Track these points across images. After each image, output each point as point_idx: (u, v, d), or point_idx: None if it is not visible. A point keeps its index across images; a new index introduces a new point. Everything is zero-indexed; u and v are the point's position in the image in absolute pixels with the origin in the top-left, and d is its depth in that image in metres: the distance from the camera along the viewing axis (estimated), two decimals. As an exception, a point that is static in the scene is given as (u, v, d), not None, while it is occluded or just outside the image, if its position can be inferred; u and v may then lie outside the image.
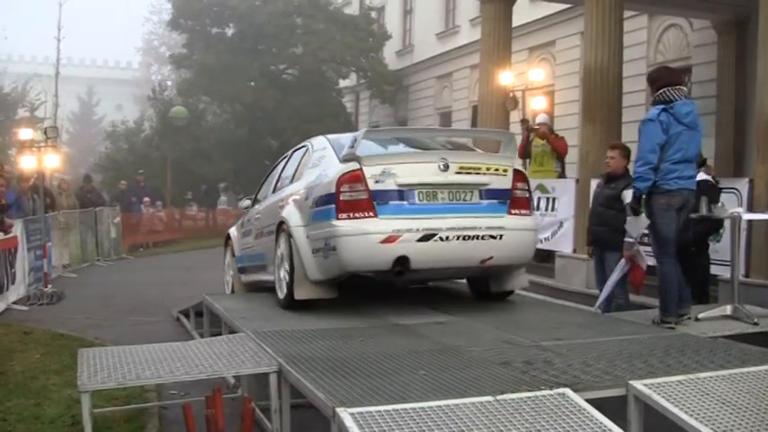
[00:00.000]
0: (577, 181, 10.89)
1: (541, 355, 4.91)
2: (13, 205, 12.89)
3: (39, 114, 34.32)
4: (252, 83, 28.24)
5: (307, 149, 7.66)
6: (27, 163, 13.44)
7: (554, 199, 11.22)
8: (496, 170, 6.61)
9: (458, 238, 6.28)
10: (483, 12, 14.35)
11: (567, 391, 4.01)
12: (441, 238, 6.24)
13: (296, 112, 27.13)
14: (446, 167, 6.41)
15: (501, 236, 6.42)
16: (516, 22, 14.64)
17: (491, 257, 6.43)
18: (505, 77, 13.74)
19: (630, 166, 7.30)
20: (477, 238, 6.35)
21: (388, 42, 28.33)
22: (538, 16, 18.98)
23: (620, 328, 6.06)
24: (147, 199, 23.74)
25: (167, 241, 24.54)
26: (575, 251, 10.63)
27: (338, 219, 6.25)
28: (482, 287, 7.30)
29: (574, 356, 4.87)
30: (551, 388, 4.06)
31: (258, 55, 28.14)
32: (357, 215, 6.23)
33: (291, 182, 7.58)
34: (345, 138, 6.99)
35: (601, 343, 5.37)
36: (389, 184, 6.29)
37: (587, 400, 3.93)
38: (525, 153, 12.53)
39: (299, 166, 7.64)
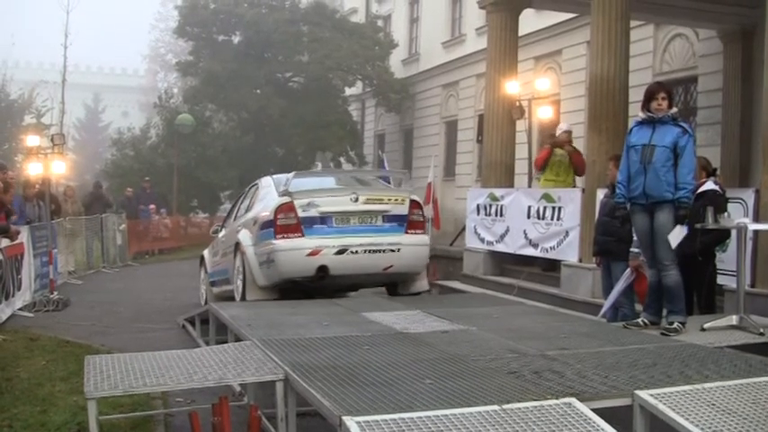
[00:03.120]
0: (583, 190, 10.88)
1: (547, 365, 4.91)
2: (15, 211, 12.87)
3: (45, 121, 34.30)
4: (258, 90, 28.21)
5: (257, 186, 9.74)
6: (34, 169, 13.48)
7: (560, 208, 11.19)
8: (396, 200, 8.73)
9: (365, 252, 8.37)
10: (489, 21, 14.36)
11: (573, 400, 4.01)
12: (352, 252, 8.32)
13: (302, 120, 27.16)
14: (356, 199, 8.51)
15: (399, 249, 8.53)
16: (522, 31, 14.64)
17: (391, 266, 8.54)
18: (511, 86, 13.72)
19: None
20: (380, 252, 8.44)
21: (394, 51, 28.35)
22: (544, 25, 18.97)
23: (626, 337, 6.07)
24: (152, 206, 23.78)
25: (173, 248, 24.59)
26: (580, 260, 10.61)
27: (276, 238, 8.30)
28: (395, 291, 9.22)
29: (580, 366, 4.87)
30: (557, 397, 4.06)
31: (264, 63, 28.15)
32: (290, 235, 8.28)
33: (246, 212, 9.56)
34: (285, 177, 8.97)
35: (607, 352, 5.38)
36: (313, 212, 8.38)
37: (593, 410, 3.93)
38: (544, 164, 12.32)
39: (251, 199, 9.65)
